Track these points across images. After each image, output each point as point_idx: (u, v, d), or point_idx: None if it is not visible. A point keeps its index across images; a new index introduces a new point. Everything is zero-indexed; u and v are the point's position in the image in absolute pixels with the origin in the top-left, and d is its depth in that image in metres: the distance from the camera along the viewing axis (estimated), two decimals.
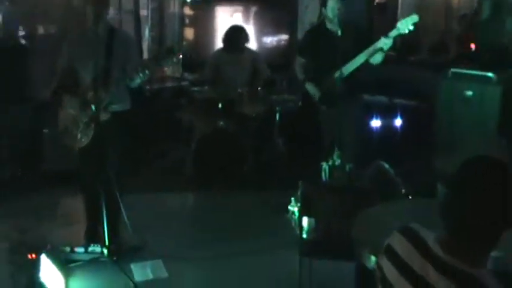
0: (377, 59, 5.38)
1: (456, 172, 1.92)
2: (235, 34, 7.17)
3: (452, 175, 1.93)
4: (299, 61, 5.88)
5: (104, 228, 4.57)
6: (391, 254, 2.03)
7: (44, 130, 6.53)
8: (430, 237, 1.96)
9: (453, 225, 1.89)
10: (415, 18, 5.12)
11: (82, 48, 4.71)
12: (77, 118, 4.67)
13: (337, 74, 5.35)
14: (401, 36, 5.29)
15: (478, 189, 1.86)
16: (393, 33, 5.18)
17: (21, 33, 7.36)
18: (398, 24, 5.17)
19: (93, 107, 4.57)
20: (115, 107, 4.69)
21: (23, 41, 7.21)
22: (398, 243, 2.03)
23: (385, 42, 5.17)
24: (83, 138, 4.67)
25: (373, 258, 2.78)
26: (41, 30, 7.49)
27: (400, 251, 2.00)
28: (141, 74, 4.49)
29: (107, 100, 4.58)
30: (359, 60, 5.33)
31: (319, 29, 5.85)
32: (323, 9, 5.60)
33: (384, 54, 5.31)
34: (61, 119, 4.78)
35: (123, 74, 4.63)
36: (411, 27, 5.12)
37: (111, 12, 5.14)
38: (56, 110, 4.81)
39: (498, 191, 1.84)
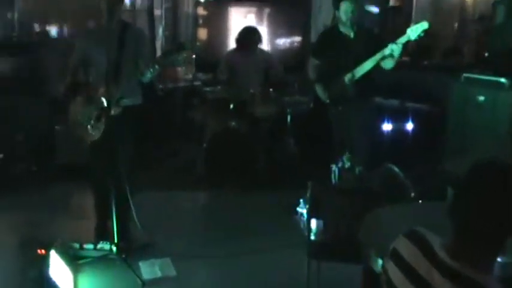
0: (388, 64, 5.38)
1: (465, 174, 1.91)
2: (249, 35, 7.18)
3: (461, 177, 1.92)
4: (312, 62, 5.90)
5: (113, 225, 4.59)
6: (397, 258, 2.02)
7: (56, 126, 6.58)
8: (436, 242, 1.95)
9: (458, 228, 1.88)
10: (425, 25, 5.13)
11: (95, 43, 4.74)
12: (88, 112, 4.68)
13: (347, 77, 5.37)
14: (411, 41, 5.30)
15: (484, 192, 1.85)
16: (402, 39, 5.18)
17: (36, 30, 7.42)
18: (408, 31, 5.18)
19: (104, 101, 4.58)
20: (126, 101, 4.69)
21: (37, 38, 7.25)
22: (404, 246, 2.02)
23: (393, 49, 5.17)
24: (93, 132, 4.68)
25: (380, 261, 2.78)
26: (55, 27, 7.52)
27: (405, 255, 2.00)
28: (151, 69, 4.50)
29: (119, 94, 4.59)
30: (368, 65, 5.34)
31: (332, 31, 5.86)
32: (336, 11, 5.61)
33: (395, 59, 5.31)
34: (72, 112, 4.79)
35: (134, 68, 4.65)
36: (421, 34, 5.13)
37: (125, 10, 5.15)
38: (69, 105, 4.83)
39: (505, 195, 1.83)
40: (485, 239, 1.86)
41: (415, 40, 5.29)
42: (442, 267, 1.87)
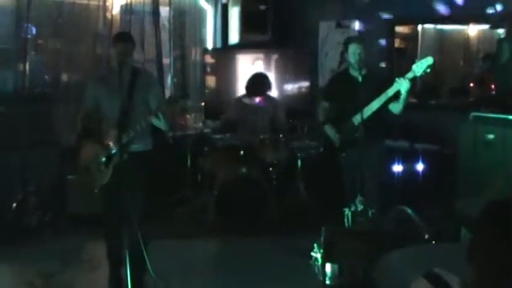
0: (396, 107, 5.42)
1: (479, 215, 1.92)
2: (259, 81, 7.25)
3: (475, 219, 1.93)
4: (323, 106, 5.97)
5: (127, 274, 4.57)
6: None
7: (69, 176, 6.62)
8: (454, 281, 1.97)
9: (479, 268, 1.89)
10: (430, 60, 5.17)
11: (105, 89, 4.84)
12: (96, 157, 4.73)
13: (356, 118, 5.42)
14: (416, 78, 5.35)
15: (502, 231, 1.86)
16: (409, 75, 5.23)
17: (48, 80, 7.51)
18: (414, 67, 5.23)
19: (113, 146, 4.65)
20: (136, 147, 4.74)
21: (48, 90, 7.33)
22: (420, 286, 2.04)
23: (399, 84, 5.20)
24: (101, 178, 4.72)
25: None
26: (65, 78, 7.62)
27: None
28: (157, 114, 4.59)
29: (127, 140, 4.61)
30: (376, 104, 5.38)
31: (342, 74, 5.97)
32: (345, 54, 5.69)
33: (402, 102, 5.34)
34: (82, 158, 4.84)
35: (145, 113, 4.71)
36: (427, 70, 5.17)
37: (135, 59, 5.23)
38: (79, 151, 4.88)
39: None
40: (506, 276, 1.85)
41: (421, 76, 5.32)
42: None
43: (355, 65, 5.50)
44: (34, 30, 7.25)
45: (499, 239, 1.86)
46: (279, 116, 7.27)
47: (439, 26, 9.50)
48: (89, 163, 4.78)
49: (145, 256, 4.74)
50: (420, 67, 5.18)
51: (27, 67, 7.11)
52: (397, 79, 5.25)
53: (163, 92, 8.09)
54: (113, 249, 5.03)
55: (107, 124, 4.78)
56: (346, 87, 5.64)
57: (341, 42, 6.21)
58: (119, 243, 4.74)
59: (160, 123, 4.73)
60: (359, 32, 8.13)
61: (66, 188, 6.71)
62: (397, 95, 5.33)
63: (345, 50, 5.66)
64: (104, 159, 4.70)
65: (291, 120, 7.34)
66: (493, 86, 8.07)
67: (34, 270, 5.35)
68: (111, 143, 4.67)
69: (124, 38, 4.93)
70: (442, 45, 9.89)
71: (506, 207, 1.91)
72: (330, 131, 5.79)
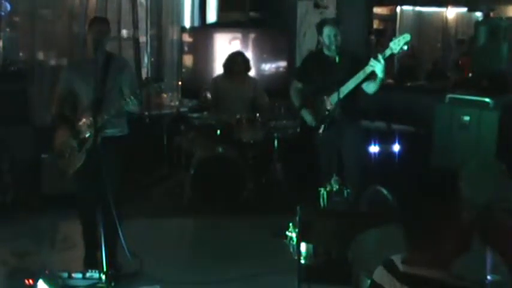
0: (371, 87, 5.42)
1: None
2: (237, 61, 7.22)
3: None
4: (295, 85, 5.92)
5: (102, 253, 4.56)
6: (372, 283, 2.23)
7: (43, 155, 6.56)
8: (397, 257, 2.14)
9: (408, 238, 2.09)
10: (407, 37, 5.16)
11: (80, 74, 4.84)
12: (70, 142, 4.77)
13: (333, 98, 5.41)
14: (394, 55, 5.33)
15: (420, 199, 2.07)
16: (386, 52, 5.20)
17: (22, 58, 7.42)
18: (391, 44, 5.21)
19: (86, 131, 4.69)
20: (111, 132, 4.78)
21: (23, 68, 7.24)
22: (378, 272, 2.20)
23: (374, 64, 5.19)
24: (75, 162, 4.75)
25: (369, 281, 2.78)
26: (41, 56, 7.53)
27: (377, 278, 2.19)
28: (131, 100, 4.62)
29: (101, 123, 4.64)
30: (352, 83, 5.36)
31: (317, 55, 5.92)
32: (319, 36, 5.66)
33: (377, 82, 5.33)
34: (56, 142, 4.89)
35: (119, 98, 4.74)
36: (404, 47, 5.16)
37: (110, 38, 5.22)
38: (54, 135, 4.88)
39: (440, 198, 2.03)
40: (429, 241, 2.03)
41: (399, 54, 5.32)
42: (400, 275, 2.07)
43: (331, 46, 5.47)
44: (9, 7, 7.14)
45: (419, 208, 2.06)
46: (260, 95, 7.24)
47: (418, 8, 9.53)
48: (62, 147, 4.83)
49: (121, 236, 4.74)
50: (397, 44, 5.16)
51: (1, 44, 7.01)
52: (372, 59, 5.23)
53: (140, 71, 8.05)
54: (88, 229, 5.04)
55: (81, 108, 4.81)
56: (320, 67, 5.61)
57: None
58: (94, 223, 4.73)
59: (133, 108, 4.76)
60: (336, 13, 8.10)
61: (40, 167, 6.65)
62: (373, 74, 5.31)
63: (320, 32, 5.62)
64: (76, 144, 4.74)
65: (267, 101, 7.32)
66: (469, 69, 8.13)
67: (8, 249, 5.31)
68: (85, 127, 4.72)
69: (99, 20, 5.13)
70: (420, 27, 9.93)
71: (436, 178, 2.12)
72: (307, 116, 5.74)
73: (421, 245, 2.05)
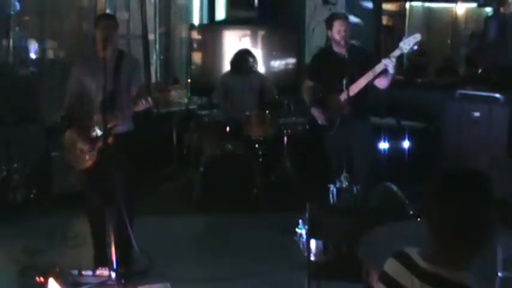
0: (382, 83, 5.37)
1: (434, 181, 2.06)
2: (244, 57, 7.22)
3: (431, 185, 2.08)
4: (307, 84, 5.88)
5: (112, 251, 4.57)
6: (384, 276, 2.14)
7: (53, 153, 6.58)
8: (414, 252, 2.07)
9: (431, 234, 2.01)
10: (417, 37, 5.11)
11: (90, 72, 4.79)
12: (81, 140, 4.74)
13: (342, 96, 5.37)
14: (404, 55, 5.29)
15: (451, 197, 1.98)
16: (396, 52, 5.15)
17: (32, 58, 7.44)
18: (401, 44, 5.15)
19: (97, 129, 4.66)
20: (119, 129, 4.75)
21: (33, 67, 7.26)
22: (390, 265, 2.13)
23: (386, 64, 5.14)
24: (86, 160, 4.73)
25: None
26: (50, 55, 7.55)
27: (389, 271, 2.12)
28: (144, 102, 4.63)
29: (112, 122, 4.64)
30: (362, 82, 5.31)
31: (326, 51, 5.88)
32: (329, 32, 5.60)
33: (389, 78, 5.29)
34: (67, 140, 4.84)
35: (129, 96, 4.74)
36: (415, 47, 5.12)
37: (120, 36, 5.22)
38: (64, 133, 4.87)
39: (468, 199, 1.95)
40: (454, 240, 1.96)
41: (408, 53, 5.28)
42: (419, 272, 2.00)
43: (341, 42, 5.42)
44: (18, 6, 7.16)
45: (449, 205, 1.97)
46: (269, 90, 7.25)
47: (427, 4, 9.50)
48: (74, 146, 4.78)
49: (131, 234, 4.74)
50: (407, 44, 5.11)
51: (11, 43, 7.03)
52: (383, 59, 5.19)
53: (149, 69, 8.06)
54: (97, 227, 5.03)
55: (92, 106, 4.78)
56: (330, 64, 5.56)
57: None
58: (103, 222, 4.74)
59: (143, 108, 4.76)
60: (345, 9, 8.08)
61: (51, 165, 6.67)
62: (384, 71, 5.28)
63: (329, 27, 5.56)
64: (88, 142, 4.71)
65: (277, 97, 7.32)
66: (480, 64, 8.09)
67: (20, 247, 5.34)
68: (95, 126, 4.68)
69: (106, 16, 5.17)
70: (429, 23, 9.90)
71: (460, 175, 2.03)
72: (315, 111, 5.69)
73: (450, 245, 1.97)
